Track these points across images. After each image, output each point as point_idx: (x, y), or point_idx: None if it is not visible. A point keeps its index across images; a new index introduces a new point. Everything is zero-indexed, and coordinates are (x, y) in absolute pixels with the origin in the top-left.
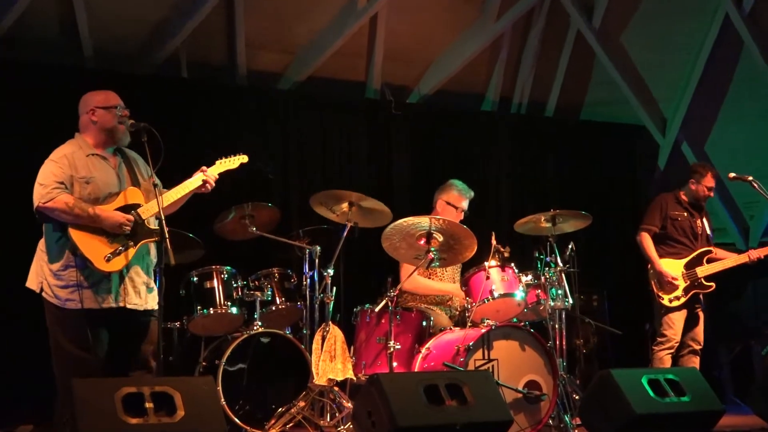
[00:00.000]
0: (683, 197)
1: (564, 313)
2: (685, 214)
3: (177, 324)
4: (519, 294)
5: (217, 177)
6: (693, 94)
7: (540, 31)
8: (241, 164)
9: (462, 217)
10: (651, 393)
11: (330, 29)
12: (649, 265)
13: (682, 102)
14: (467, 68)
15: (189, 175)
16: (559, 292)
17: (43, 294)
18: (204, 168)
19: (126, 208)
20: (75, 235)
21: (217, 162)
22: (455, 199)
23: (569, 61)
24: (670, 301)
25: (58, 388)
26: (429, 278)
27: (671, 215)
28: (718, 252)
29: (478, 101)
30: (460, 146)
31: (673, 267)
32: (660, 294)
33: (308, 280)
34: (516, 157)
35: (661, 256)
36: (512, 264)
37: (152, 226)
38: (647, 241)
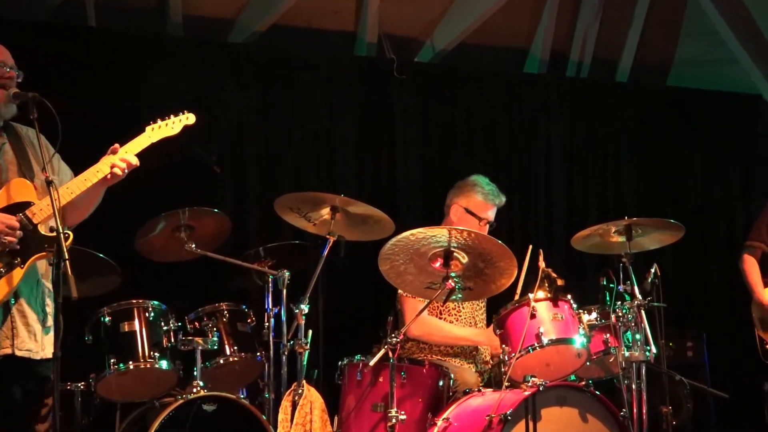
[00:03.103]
0: None
1: (644, 367)
2: None
3: (81, 385)
4: (579, 340)
5: (136, 164)
6: None
7: None
8: (182, 143)
9: (486, 232)
10: None
11: None
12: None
13: None
14: (502, 13)
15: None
16: (638, 336)
17: None
18: (115, 146)
19: (10, 209)
20: None
21: (142, 134)
22: (479, 207)
23: (651, 4)
24: None
25: None
26: (441, 318)
27: None
28: None
29: (518, 60)
30: (492, 126)
31: None
32: (763, 336)
33: (272, 321)
34: (573, 140)
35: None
36: (569, 296)
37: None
38: (749, 264)
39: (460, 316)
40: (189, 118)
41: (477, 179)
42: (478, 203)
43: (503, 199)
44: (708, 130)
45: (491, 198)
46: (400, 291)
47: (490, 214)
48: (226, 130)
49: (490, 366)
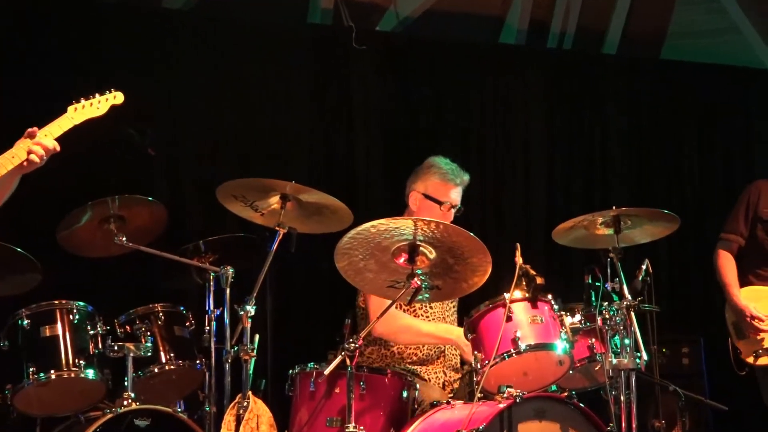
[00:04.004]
0: None
1: (635, 376)
2: None
3: None
4: (560, 345)
5: (56, 148)
6: None
7: None
8: (113, 121)
9: (451, 219)
10: None
11: None
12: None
13: None
14: None
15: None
16: (627, 342)
17: None
18: (33, 129)
19: None
20: None
21: (64, 115)
22: (438, 190)
23: None
24: (756, 356)
25: None
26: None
27: (763, 214)
28: None
29: (493, 29)
30: (463, 103)
31: (762, 299)
32: (737, 345)
33: (214, 324)
34: (555, 119)
35: (746, 284)
36: (549, 297)
37: None
38: (725, 260)
39: (428, 318)
40: (117, 97)
41: (433, 160)
42: (436, 186)
43: (466, 177)
44: (707, 108)
45: (451, 177)
46: None
47: (453, 197)
48: (160, 108)
49: (460, 374)
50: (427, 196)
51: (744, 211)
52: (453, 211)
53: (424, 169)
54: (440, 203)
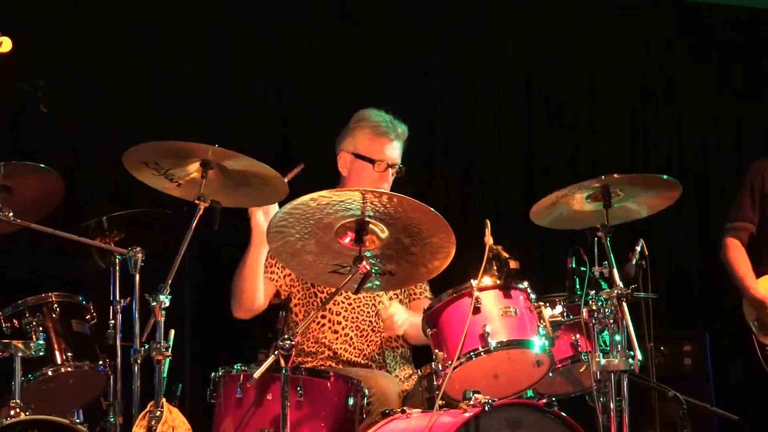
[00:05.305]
0: None
1: (627, 379)
2: None
3: None
4: (538, 343)
5: None
6: None
7: None
8: None
9: (389, 182)
10: None
11: None
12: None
13: None
14: None
15: None
16: (618, 338)
17: None
18: None
19: None
20: None
21: None
22: (369, 146)
23: None
24: None
25: None
26: (327, 309)
27: None
28: None
29: None
30: (422, 52)
31: None
32: (764, 342)
33: (120, 317)
34: (534, 72)
35: (762, 273)
36: (525, 284)
37: None
38: (736, 251)
39: (353, 305)
40: (2, 44)
41: (362, 113)
42: (367, 141)
43: (402, 129)
44: (718, 60)
45: (384, 129)
46: None
47: (389, 153)
48: (56, 57)
49: (421, 376)
50: (357, 156)
51: (749, 196)
52: (391, 171)
53: (352, 124)
54: (373, 162)
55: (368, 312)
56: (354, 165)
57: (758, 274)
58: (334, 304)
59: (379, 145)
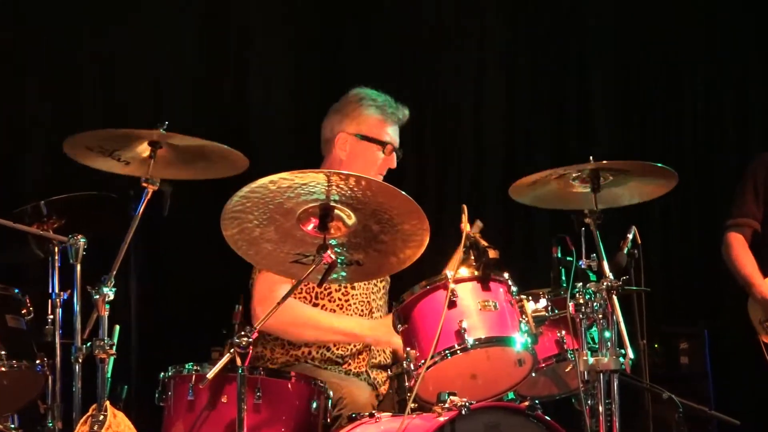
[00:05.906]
0: None
1: (617, 379)
2: None
3: None
4: (520, 340)
5: None
6: None
7: None
8: None
9: (395, 165)
10: None
11: None
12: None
13: None
14: None
15: None
16: (607, 335)
17: None
18: None
19: None
20: None
21: None
22: (376, 127)
23: None
24: None
25: None
26: (317, 306)
27: None
28: None
29: None
30: (397, 21)
31: None
32: (765, 339)
33: (59, 312)
34: (518, 43)
35: None
36: (505, 275)
37: None
38: (739, 248)
39: (348, 303)
40: None
41: (360, 92)
42: (373, 122)
43: (406, 112)
44: (725, 33)
45: (390, 111)
46: None
47: (395, 135)
48: None
49: (390, 377)
50: (363, 137)
51: (753, 191)
52: (395, 155)
53: (353, 104)
54: (383, 144)
55: (362, 310)
56: (357, 147)
57: (765, 274)
58: (329, 301)
59: (386, 127)
